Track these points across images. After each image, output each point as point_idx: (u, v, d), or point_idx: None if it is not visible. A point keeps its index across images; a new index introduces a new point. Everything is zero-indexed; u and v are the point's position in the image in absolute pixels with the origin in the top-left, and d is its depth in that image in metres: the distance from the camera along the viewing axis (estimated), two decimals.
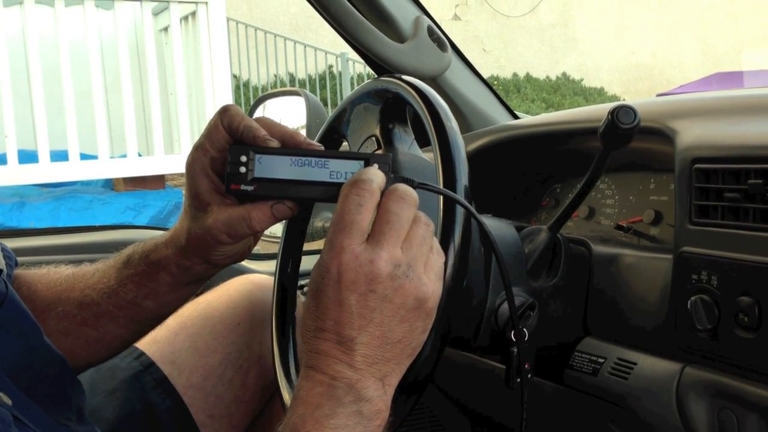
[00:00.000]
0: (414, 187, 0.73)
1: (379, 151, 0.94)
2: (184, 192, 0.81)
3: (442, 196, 0.78)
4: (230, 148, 0.75)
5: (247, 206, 0.76)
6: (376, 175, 0.68)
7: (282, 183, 0.74)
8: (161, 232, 0.87)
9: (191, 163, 0.78)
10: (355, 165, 0.72)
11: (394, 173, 0.73)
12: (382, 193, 0.68)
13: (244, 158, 0.74)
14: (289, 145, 0.76)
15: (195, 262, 0.82)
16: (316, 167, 0.73)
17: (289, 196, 0.75)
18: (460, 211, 0.77)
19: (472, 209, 0.76)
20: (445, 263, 0.75)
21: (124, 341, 0.90)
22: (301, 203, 0.77)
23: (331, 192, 0.73)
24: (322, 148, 0.76)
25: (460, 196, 0.77)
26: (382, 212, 0.67)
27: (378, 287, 0.65)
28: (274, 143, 0.75)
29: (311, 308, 0.66)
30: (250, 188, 0.74)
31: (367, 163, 0.72)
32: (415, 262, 0.67)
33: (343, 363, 0.65)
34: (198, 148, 0.78)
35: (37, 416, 0.74)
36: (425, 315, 0.68)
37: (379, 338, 0.66)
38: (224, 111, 0.77)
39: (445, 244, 0.76)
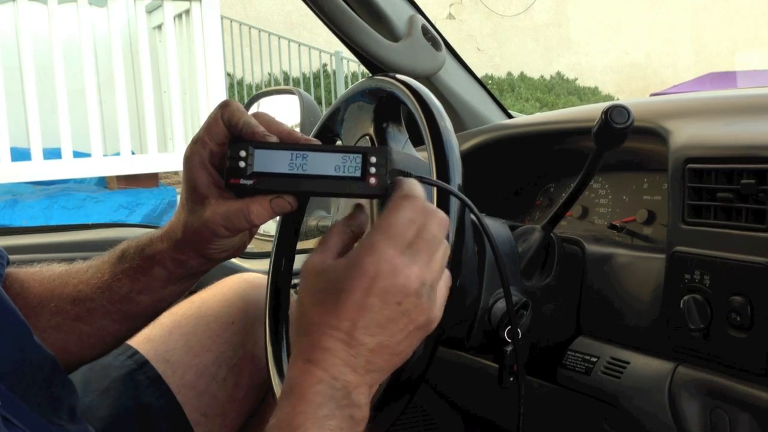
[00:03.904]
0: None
1: None
2: (181, 185, 0.81)
3: (435, 195, 0.79)
4: (229, 144, 0.75)
5: (246, 200, 0.76)
6: (423, 193, 0.70)
7: (281, 177, 0.74)
8: (152, 231, 0.87)
9: (190, 156, 0.78)
10: (353, 158, 0.73)
11: (391, 166, 0.73)
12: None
13: (243, 153, 0.74)
14: (286, 142, 0.76)
15: (190, 256, 0.82)
16: (313, 161, 0.73)
17: (287, 190, 0.75)
18: (454, 210, 0.78)
19: (470, 202, 0.76)
20: None
21: (117, 337, 0.90)
22: (299, 197, 0.77)
23: (328, 185, 0.73)
24: (320, 143, 0.76)
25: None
26: (424, 231, 0.67)
27: (404, 301, 0.65)
28: (273, 139, 0.75)
29: (327, 303, 0.65)
30: (249, 182, 0.74)
31: (365, 157, 0.72)
32: (435, 284, 0.68)
33: (347, 366, 0.65)
34: (197, 141, 0.78)
35: (27, 416, 0.74)
36: (424, 334, 0.69)
37: (385, 348, 0.66)
38: (224, 106, 0.77)
39: None
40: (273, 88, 1.50)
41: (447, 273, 0.71)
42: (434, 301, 0.68)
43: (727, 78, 8.01)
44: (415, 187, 0.70)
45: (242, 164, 0.74)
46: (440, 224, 0.69)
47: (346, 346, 0.65)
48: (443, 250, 0.69)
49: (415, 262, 0.66)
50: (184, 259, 0.82)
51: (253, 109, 1.46)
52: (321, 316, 0.65)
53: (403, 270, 0.65)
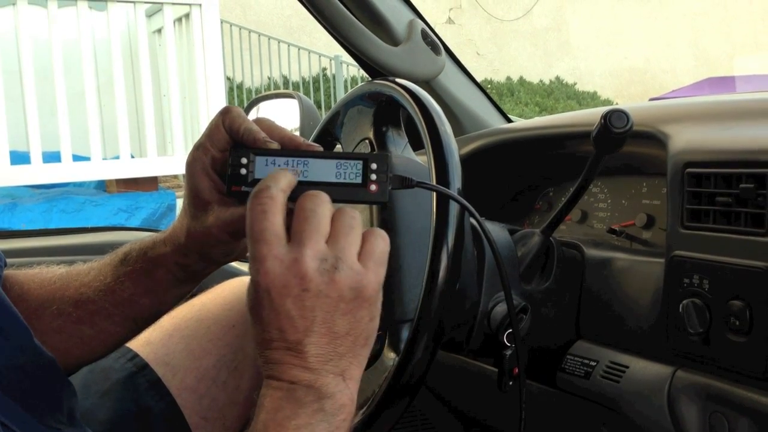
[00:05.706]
0: (412, 186, 0.74)
1: None
2: (183, 191, 0.82)
3: (435, 200, 0.79)
4: (231, 151, 0.75)
5: None
6: (274, 180, 0.68)
7: None
8: (154, 234, 0.87)
9: (192, 163, 0.79)
10: (354, 165, 0.73)
11: (392, 172, 0.73)
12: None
13: (244, 160, 0.74)
14: (288, 147, 0.76)
15: (194, 259, 0.82)
16: (314, 168, 0.74)
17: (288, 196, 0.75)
18: (453, 214, 0.78)
19: (470, 206, 0.76)
20: (438, 264, 0.75)
21: (119, 339, 0.90)
22: None
23: (329, 192, 0.73)
24: (321, 149, 0.76)
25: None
26: (299, 211, 0.67)
27: (310, 285, 0.64)
28: (274, 145, 0.75)
29: (254, 323, 0.67)
30: (251, 189, 0.75)
31: (366, 163, 0.73)
32: (344, 253, 0.66)
33: (297, 367, 0.65)
34: (199, 148, 0.79)
35: (25, 421, 0.74)
36: (367, 303, 0.67)
37: (326, 335, 0.65)
38: (226, 112, 0.78)
39: (438, 246, 0.76)
40: (272, 92, 1.50)
41: (377, 232, 0.69)
42: (352, 269, 0.66)
43: (725, 83, 8.02)
44: (262, 181, 0.68)
45: (243, 171, 0.74)
46: (314, 199, 0.67)
47: (287, 351, 0.65)
48: (345, 217, 0.67)
49: (303, 244, 0.65)
50: (188, 263, 0.83)
51: (253, 114, 1.46)
52: (257, 334, 0.67)
53: (291, 257, 0.64)
